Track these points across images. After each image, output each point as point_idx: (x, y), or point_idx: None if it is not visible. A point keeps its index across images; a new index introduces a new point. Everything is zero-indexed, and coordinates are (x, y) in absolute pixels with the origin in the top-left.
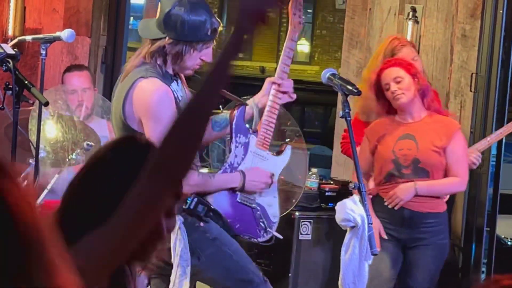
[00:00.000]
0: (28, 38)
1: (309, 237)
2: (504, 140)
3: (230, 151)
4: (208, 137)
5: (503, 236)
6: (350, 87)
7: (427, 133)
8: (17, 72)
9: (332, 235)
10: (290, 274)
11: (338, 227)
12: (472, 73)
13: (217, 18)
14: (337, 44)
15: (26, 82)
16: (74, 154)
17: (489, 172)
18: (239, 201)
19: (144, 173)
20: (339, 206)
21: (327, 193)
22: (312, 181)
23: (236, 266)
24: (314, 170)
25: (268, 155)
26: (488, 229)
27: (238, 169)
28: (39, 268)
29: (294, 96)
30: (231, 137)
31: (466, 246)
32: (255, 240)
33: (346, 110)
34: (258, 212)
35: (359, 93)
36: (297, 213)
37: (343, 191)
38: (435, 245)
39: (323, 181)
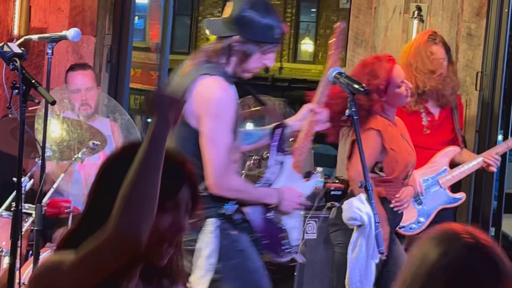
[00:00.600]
0: (34, 37)
1: (314, 236)
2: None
3: (267, 167)
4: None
5: None
6: (356, 86)
7: (406, 133)
8: (24, 71)
9: None
10: (295, 273)
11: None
12: (478, 72)
13: (283, 25)
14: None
15: (33, 81)
16: (80, 153)
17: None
18: (271, 218)
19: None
20: (346, 205)
21: (332, 192)
22: (317, 180)
23: (254, 285)
24: (319, 169)
25: (299, 179)
26: (494, 228)
27: (273, 187)
28: None
29: (328, 125)
30: (271, 154)
31: None
32: (276, 259)
33: (353, 109)
34: (284, 233)
35: (365, 91)
36: (302, 212)
37: (348, 189)
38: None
39: (328, 180)
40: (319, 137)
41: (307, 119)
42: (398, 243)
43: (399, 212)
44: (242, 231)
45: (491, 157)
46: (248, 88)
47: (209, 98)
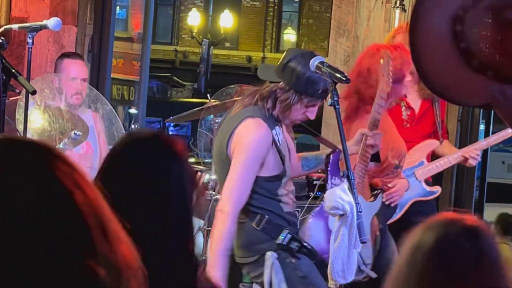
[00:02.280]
0: (15, 26)
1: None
2: (491, 129)
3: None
4: (295, 174)
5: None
6: (339, 75)
7: (392, 128)
8: (4, 61)
9: None
10: None
11: None
12: None
13: (330, 82)
14: (324, 33)
15: (13, 70)
16: (61, 143)
17: None
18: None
19: None
20: (328, 194)
21: (314, 182)
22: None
23: None
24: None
25: (361, 200)
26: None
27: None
28: (103, 241)
29: (380, 147)
30: (327, 179)
31: None
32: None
33: (335, 98)
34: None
35: (348, 81)
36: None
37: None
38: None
39: None
40: (301, 127)
41: (361, 143)
42: (390, 237)
43: (392, 205)
44: (302, 257)
45: (471, 153)
46: (301, 124)
47: (245, 135)
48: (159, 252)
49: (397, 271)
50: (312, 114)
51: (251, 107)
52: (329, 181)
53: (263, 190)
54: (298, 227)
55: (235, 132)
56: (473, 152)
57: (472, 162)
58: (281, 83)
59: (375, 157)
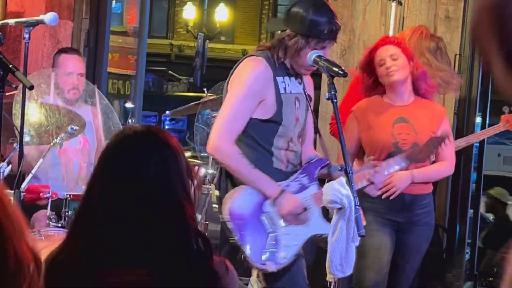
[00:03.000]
0: (11, 21)
1: None
2: (487, 122)
3: (286, 179)
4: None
5: (491, 218)
6: (336, 69)
7: (420, 117)
8: (1, 56)
9: None
10: None
11: (324, 210)
12: (456, 54)
13: (338, 23)
14: None
15: (11, 66)
16: (58, 138)
17: (473, 153)
18: (262, 218)
19: None
20: (325, 188)
21: None
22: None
23: None
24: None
25: (317, 211)
26: (472, 210)
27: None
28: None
29: (377, 192)
30: (297, 170)
31: (450, 226)
32: (252, 260)
33: (332, 92)
34: (270, 242)
35: (345, 74)
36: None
37: None
38: (428, 226)
39: None
40: None
41: (366, 169)
42: (413, 232)
43: (391, 198)
44: None
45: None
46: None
47: (240, 71)
48: (165, 243)
49: None
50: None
51: (257, 52)
52: (297, 174)
53: (254, 133)
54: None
55: (234, 72)
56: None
57: None
58: (287, 30)
59: None
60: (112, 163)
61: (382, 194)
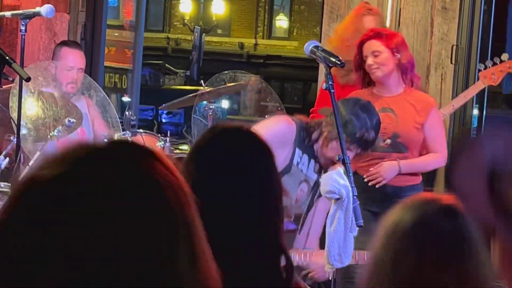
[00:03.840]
0: (8, 14)
1: None
2: (484, 113)
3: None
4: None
5: None
6: (333, 59)
7: (406, 108)
8: None
9: None
10: None
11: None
12: (453, 45)
13: (373, 136)
14: (316, 19)
15: (7, 58)
16: (55, 130)
17: None
18: None
19: None
20: (323, 178)
21: None
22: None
23: None
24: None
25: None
26: None
27: None
28: (187, 256)
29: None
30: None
31: None
32: None
33: (330, 82)
34: None
35: (342, 65)
36: None
37: None
38: None
39: None
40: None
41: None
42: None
43: (377, 186)
44: None
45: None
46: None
47: (264, 121)
48: (250, 249)
49: (373, 255)
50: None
51: (292, 116)
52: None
53: None
54: None
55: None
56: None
57: None
58: (328, 118)
59: None
60: (208, 158)
61: (367, 184)
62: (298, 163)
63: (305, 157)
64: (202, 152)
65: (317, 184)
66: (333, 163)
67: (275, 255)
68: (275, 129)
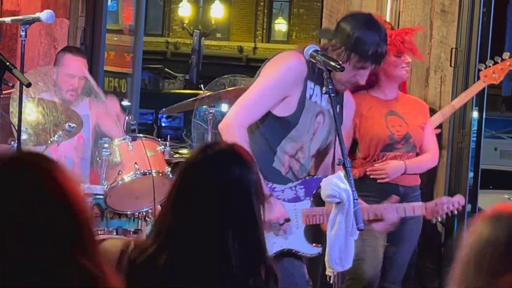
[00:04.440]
0: (7, 19)
1: None
2: (484, 116)
3: (283, 184)
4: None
5: None
6: (333, 63)
7: (408, 110)
8: None
9: None
10: None
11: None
12: (452, 48)
13: (385, 47)
14: (315, 22)
15: (8, 63)
16: (56, 135)
17: (470, 147)
18: None
19: None
20: (324, 182)
21: None
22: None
23: None
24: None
25: (302, 228)
26: (470, 204)
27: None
28: (90, 241)
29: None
30: (295, 180)
31: (448, 221)
32: None
33: (330, 86)
34: None
35: (342, 69)
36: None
37: None
38: (417, 218)
39: None
40: None
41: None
42: (406, 224)
43: (378, 181)
44: None
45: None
46: None
47: (275, 60)
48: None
49: (464, 267)
50: (362, 78)
51: (298, 49)
52: (294, 183)
53: (266, 128)
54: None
55: (271, 59)
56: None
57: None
58: (333, 40)
59: None
60: (195, 175)
61: (380, 186)
62: (311, 96)
63: (317, 88)
64: (193, 171)
65: (337, 118)
66: (345, 84)
67: (256, 266)
68: (289, 69)
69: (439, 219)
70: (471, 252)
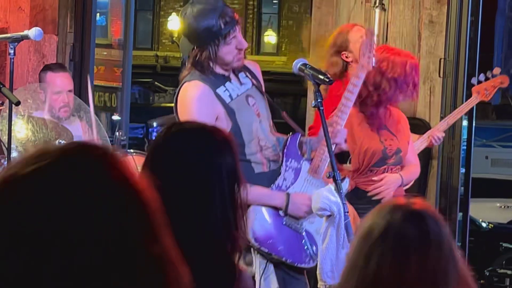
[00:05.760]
0: None
1: None
2: (473, 124)
3: (279, 174)
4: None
5: (480, 220)
6: (321, 77)
7: (393, 124)
8: None
9: None
10: None
11: None
12: (440, 59)
13: (227, 7)
14: (304, 34)
15: None
16: None
17: (460, 156)
18: (285, 223)
19: None
20: (315, 195)
21: None
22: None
23: None
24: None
25: (321, 183)
26: (461, 213)
27: (285, 191)
28: (160, 234)
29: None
30: (282, 161)
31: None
32: (300, 265)
33: (319, 100)
34: (304, 239)
35: (330, 82)
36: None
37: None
38: None
39: None
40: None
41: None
42: None
43: (382, 201)
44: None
45: (434, 134)
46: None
47: (182, 98)
48: (199, 243)
49: (348, 260)
50: (241, 43)
51: (188, 75)
52: (283, 164)
53: None
54: (276, 187)
55: (177, 101)
56: (435, 133)
57: (434, 142)
58: (194, 48)
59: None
60: (165, 154)
61: (372, 197)
62: (230, 96)
63: (228, 84)
64: (159, 151)
65: (256, 85)
66: (234, 59)
67: (224, 243)
68: (198, 99)
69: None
70: (352, 247)
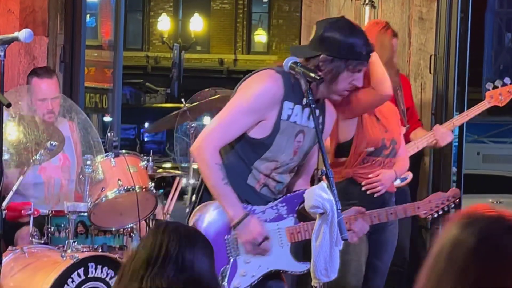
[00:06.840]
0: None
1: None
2: (465, 121)
3: (264, 204)
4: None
5: None
6: (312, 74)
7: (385, 116)
8: None
9: None
10: None
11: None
12: (431, 55)
13: (373, 45)
14: (294, 33)
15: None
16: (38, 154)
17: (452, 152)
18: (225, 239)
19: None
20: (307, 193)
21: None
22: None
23: None
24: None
25: (287, 246)
26: (454, 209)
27: (249, 212)
28: None
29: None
30: (277, 199)
31: (432, 227)
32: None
33: (310, 98)
34: (225, 266)
35: (321, 80)
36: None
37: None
38: (396, 223)
39: None
40: None
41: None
42: (387, 230)
43: (375, 195)
44: None
45: (439, 133)
46: None
47: (251, 81)
48: None
49: (434, 266)
50: (359, 81)
51: (276, 67)
52: (276, 202)
53: (241, 149)
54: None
55: (248, 78)
56: (440, 129)
57: (441, 143)
58: (321, 55)
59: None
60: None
61: (365, 192)
62: (289, 116)
63: (298, 107)
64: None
65: (318, 130)
66: (341, 93)
67: None
68: (263, 93)
69: (435, 215)
70: (442, 253)
